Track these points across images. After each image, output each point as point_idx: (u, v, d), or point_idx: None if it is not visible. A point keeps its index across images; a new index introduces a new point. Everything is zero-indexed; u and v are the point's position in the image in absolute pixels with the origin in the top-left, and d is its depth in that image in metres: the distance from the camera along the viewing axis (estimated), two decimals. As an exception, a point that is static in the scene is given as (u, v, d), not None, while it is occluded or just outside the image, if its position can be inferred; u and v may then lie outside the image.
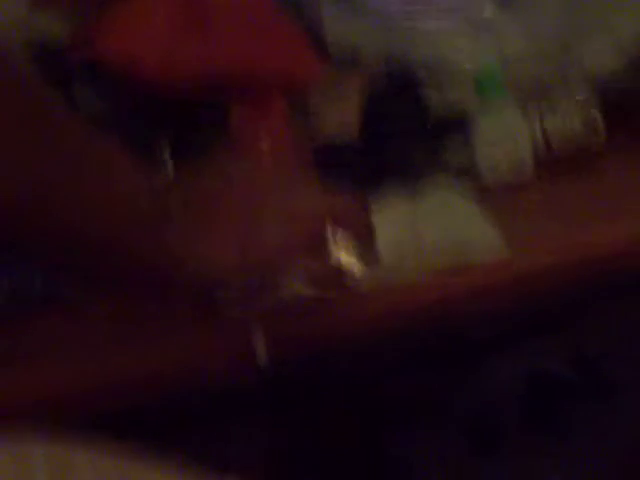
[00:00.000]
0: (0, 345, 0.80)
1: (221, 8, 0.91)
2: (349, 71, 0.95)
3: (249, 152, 0.89)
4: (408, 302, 0.82)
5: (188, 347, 0.79)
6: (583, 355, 1.19)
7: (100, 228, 0.68)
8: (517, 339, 1.12)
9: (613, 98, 0.97)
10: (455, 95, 0.95)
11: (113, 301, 0.82)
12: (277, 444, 1.17)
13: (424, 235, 0.85)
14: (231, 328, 0.78)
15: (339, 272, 0.79)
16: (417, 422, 1.17)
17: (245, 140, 0.90)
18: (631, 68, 0.98)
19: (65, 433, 0.42)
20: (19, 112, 0.63)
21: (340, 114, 0.94)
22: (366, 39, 0.95)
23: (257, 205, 0.74)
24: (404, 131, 0.94)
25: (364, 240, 0.80)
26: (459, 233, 0.86)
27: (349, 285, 0.80)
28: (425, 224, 0.86)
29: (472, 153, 0.93)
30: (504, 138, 0.93)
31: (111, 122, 0.90)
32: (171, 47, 0.90)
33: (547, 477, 1.11)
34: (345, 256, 0.79)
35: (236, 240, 0.72)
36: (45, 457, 0.40)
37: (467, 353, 1.13)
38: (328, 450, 1.15)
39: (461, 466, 1.13)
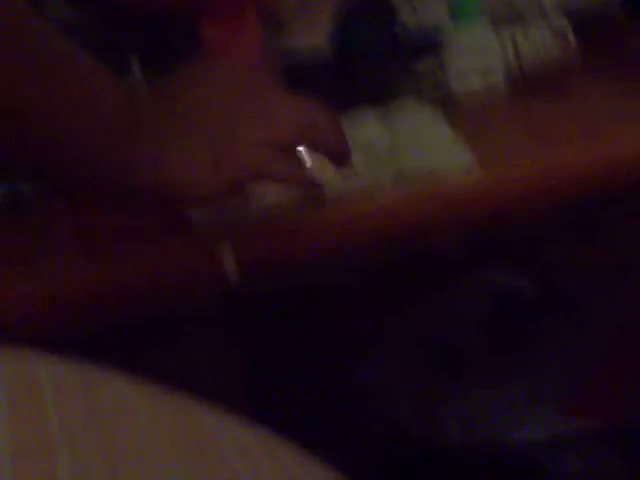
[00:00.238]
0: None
1: None
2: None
3: (220, 64, 0.88)
4: (379, 220, 0.82)
5: (156, 263, 0.78)
6: (548, 274, 1.20)
7: (72, 140, 0.68)
8: (484, 260, 1.13)
9: (586, 19, 0.97)
10: (428, 15, 0.95)
11: (79, 214, 0.81)
12: (244, 364, 1.17)
13: (396, 154, 0.85)
14: (201, 244, 0.77)
15: (313, 186, 0.78)
16: (383, 344, 1.18)
17: (216, 53, 0.89)
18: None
19: (26, 351, 0.40)
20: None
21: (312, 33, 0.93)
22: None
23: (231, 118, 0.72)
24: (376, 51, 0.93)
25: (340, 153, 0.79)
26: (431, 152, 0.85)
27: (322, 199, 0.79)
28: (397, 143, 0.86)
29: (445, 73, 0.93)
30: (477, 58, 0.92)
31: (82, 34, 0.89)
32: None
33: (512, 397, 1.12)
34: (319, 170, 0.79)
35: (209, 155, 0.70)
36: (4, 372, 0.38)
37: (435, 274, 1.14)
38: (296, 372, 1.15)
39: (427, 388, 1.14)
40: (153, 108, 0.71)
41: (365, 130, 0.87)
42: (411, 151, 0.85)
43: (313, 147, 0.76)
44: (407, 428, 1.11)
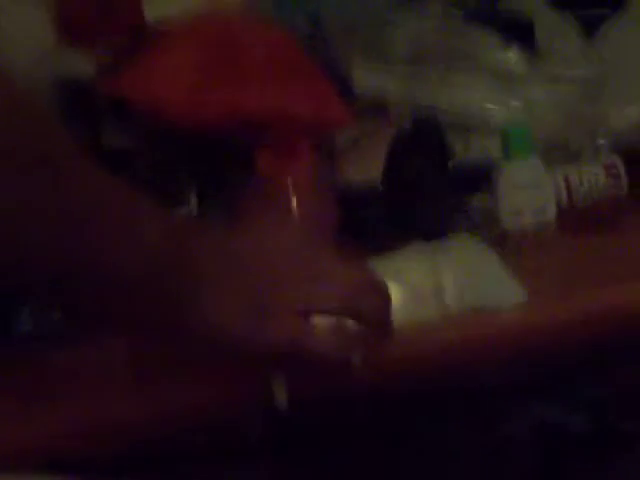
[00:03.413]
0: (18, 380, 0.80)
1: (249, 51, 0.92)
2: (375, 118, 0.96)
3: (274, 194, 0.88)
4: (423, 346, 0.81)
5: (205, 391, 0.77)
6: (599, 409, 1.17)
7: (117, 276, 0.67)
8: (531, 391, 1.12)
9: (636, 153, 0.97)
10: (480, 143, 0.96)
11: (127, 339, 0.80)
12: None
13: (444, 282, 0.85)
14: (249, 369, 0.75)
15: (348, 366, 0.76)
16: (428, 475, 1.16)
17: (270, 182, 0.90)
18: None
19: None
20: (26, 162, 0.61)
21: (365, 167, 0.94)
22: (393, 88, 0.96)
23: (277, 280, 0.72)
24: (429, 186, 0.94)
25: (381, 329, 0.77)
26: (482, 289, 0.85)
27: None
28: (446, 271, 0.86)
29: (497, 209, 0.93)
30: (529, 195, 0.93)
31: (137, 161, 0.90)
32: (198, 87, 0.90)
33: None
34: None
35: (251, 310, 0.70)
36: None
37: (480, 403, 1.12)
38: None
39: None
40: (202, 247, 0.71)
41: (413, 259, 0.87)
42: (462, 288, 0.84)
43: (356, 319, 0.74)
44: None
